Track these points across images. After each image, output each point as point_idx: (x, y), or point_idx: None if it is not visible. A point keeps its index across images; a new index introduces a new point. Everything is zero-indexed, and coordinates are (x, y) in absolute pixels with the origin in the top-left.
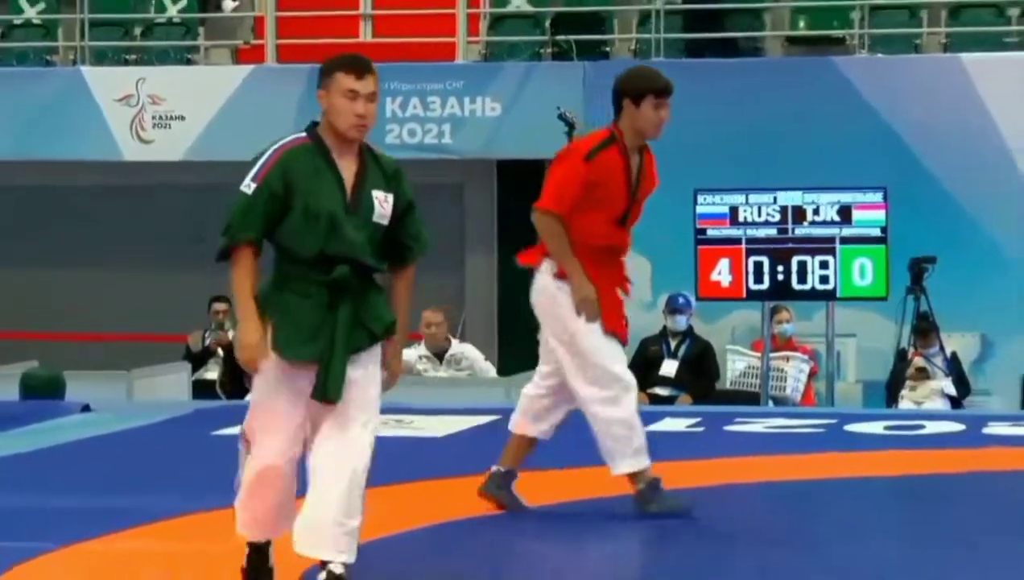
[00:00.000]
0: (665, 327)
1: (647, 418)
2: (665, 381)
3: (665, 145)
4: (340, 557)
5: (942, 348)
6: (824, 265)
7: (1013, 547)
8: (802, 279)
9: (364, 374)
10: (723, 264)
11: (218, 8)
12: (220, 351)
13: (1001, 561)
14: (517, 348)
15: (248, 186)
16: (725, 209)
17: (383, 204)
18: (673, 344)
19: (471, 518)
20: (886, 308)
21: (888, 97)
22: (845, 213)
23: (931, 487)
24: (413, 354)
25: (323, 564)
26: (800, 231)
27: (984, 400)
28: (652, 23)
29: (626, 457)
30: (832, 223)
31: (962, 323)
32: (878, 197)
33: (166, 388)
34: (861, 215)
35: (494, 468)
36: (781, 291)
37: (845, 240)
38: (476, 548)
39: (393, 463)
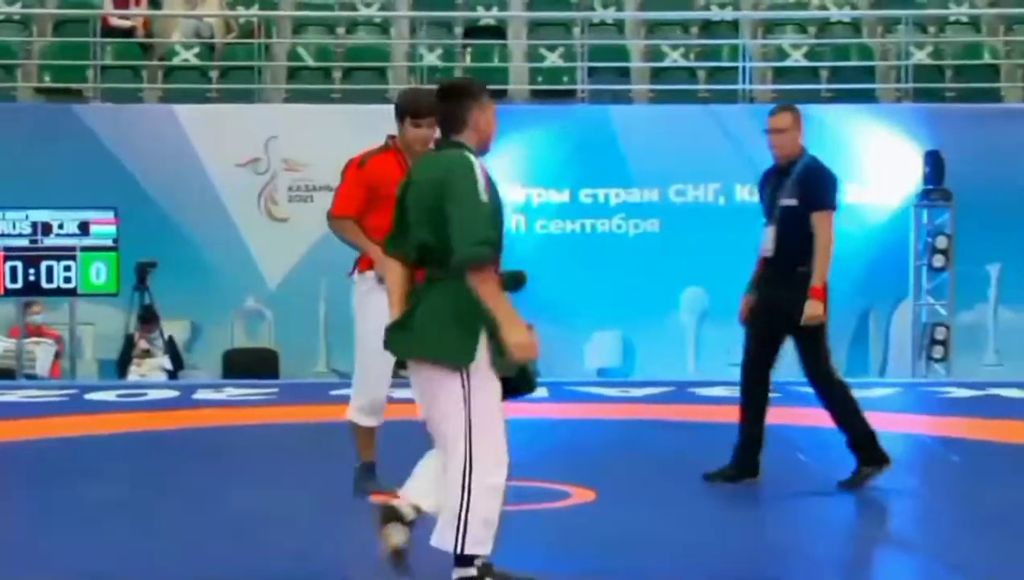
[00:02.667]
0: None
1: None
2: None
3: None
4: None
5: (161, 333)
6: (68, 268)
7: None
8: (50, 279)
9: None
10: None
11: None
12: None
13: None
14: None
15: (484, 195)
16: None
17: None
18: None
19: None
20: (118, 301)
21: (118, 137)
22: (84, 227)
23: (156, 439)
24: None
25: None
26: (48, 241)
27: (195, 372)
28: None
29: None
30: (74, 235)
31: (177, 312)
32: (111, 215)
33: None
34: (97, 229)
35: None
36: (33, 289)
37: (85, 248)
38: None
39: None
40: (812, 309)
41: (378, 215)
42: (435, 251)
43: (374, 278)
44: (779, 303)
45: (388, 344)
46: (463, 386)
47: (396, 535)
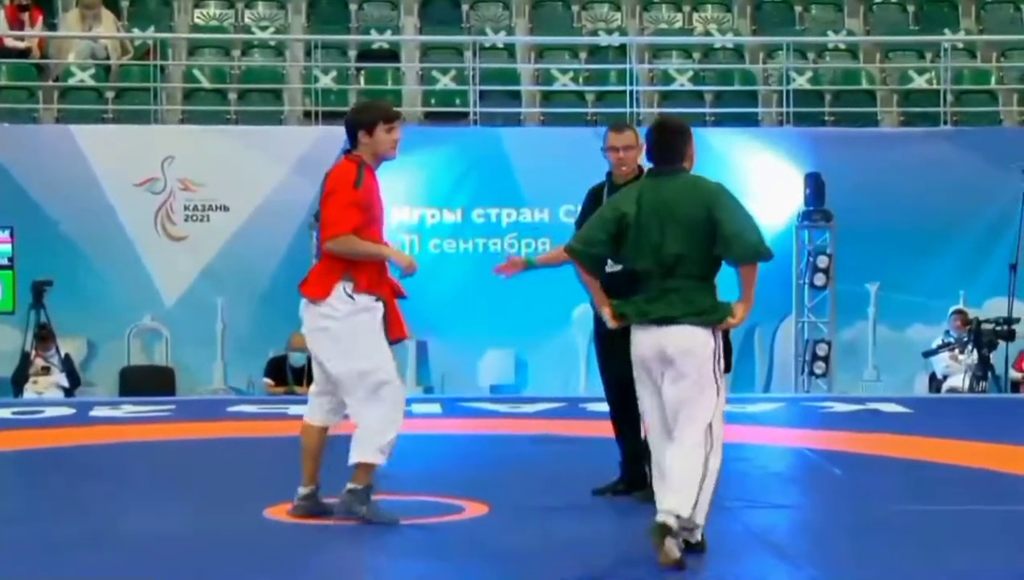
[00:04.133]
0: None
1: None
2: None
3: None
4: None
5: (58, 350)
6: None
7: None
8: None
9: None
10: None
11: None
12: None
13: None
14: None
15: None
16: None
17: None
18: None
19: None
20: (14, 319)
21: (14, 157)
22: None
23: (53, 456)
24: None
25: None
26: None
27: (91, 390)
28: None
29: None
30: None
31: (74, 329)
32: (6, 234)
33: None
34: None
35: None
36: None
37: None
38: None
39: None
40: None
41: (365, 236)
42: (690, 260)
43: (369, 300)
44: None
45: (645, 315)
46: (715, 357)
47: (674, 549)
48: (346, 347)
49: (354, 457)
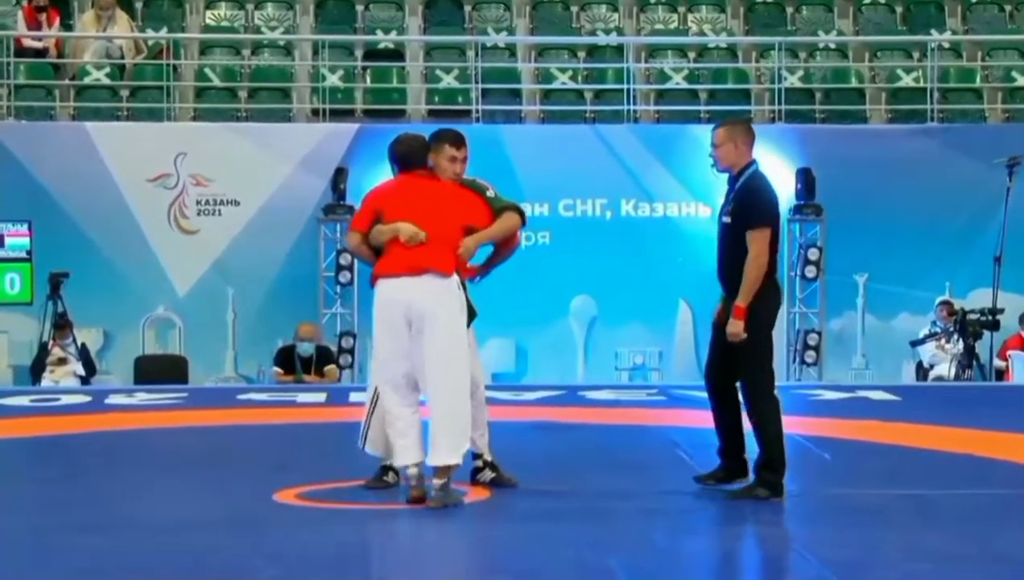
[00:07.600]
0: None
1: None
2: None
3: None
4: None
5: (74, 340)
6: None
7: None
8: None
9: None
10: None
11: None
12: None
13: None
14: None
15: None
16: None
17: None
18: None
19: None
20: (31, 310)
21: (32, 154)
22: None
23: (69, 442)
24: None
25: None
26: None
27: (107, 378)
28: None
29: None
30: None
31: (90, 320)
32: (25, 228)
33: None
34: (12, 241)
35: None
36: None
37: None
38: None
39: None
40: (731, 326)
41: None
42: None
43: None
44: (725, 318)
45: None
46: None
47: None
48: (461, 336)
49: (450, 458)
